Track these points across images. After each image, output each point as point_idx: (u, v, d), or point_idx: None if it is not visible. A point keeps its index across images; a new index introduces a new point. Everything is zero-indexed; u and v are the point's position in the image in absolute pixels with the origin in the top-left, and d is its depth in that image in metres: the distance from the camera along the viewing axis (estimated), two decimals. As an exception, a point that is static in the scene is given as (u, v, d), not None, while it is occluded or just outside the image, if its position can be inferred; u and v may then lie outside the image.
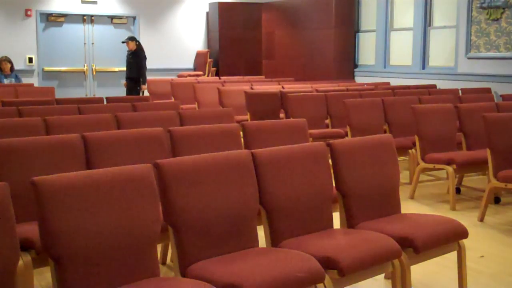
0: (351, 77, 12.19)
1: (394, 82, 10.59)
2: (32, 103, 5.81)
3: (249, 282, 2.37)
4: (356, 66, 12.34)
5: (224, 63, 13.03)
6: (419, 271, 3.47)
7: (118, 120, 4.63)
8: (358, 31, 12.35)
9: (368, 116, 6.42)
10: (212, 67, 12.97)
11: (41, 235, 2.28)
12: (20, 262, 2.59)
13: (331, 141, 3.39)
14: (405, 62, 11.10)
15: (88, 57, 12.25)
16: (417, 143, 5.66)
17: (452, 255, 3.34)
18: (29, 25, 11.55)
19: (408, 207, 5.03)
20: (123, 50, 11.27)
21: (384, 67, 11.60)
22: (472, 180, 6.50)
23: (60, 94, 9.05)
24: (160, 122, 4.34)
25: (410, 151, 6.14)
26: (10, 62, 9.94)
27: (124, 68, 10.72)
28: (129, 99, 6.94)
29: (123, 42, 10.57)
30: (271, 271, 2.49)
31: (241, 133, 4.22)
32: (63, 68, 11.98)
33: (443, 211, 5.13)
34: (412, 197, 5.67)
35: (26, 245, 2.81)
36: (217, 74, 12.76)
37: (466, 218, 4.67)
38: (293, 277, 2.49)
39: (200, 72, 12.78)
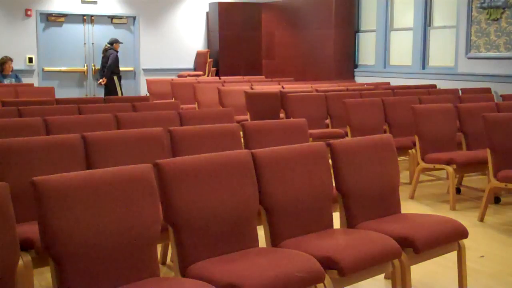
0: (351, 77, 12.19)
1: (394, 82, 10.58)
2: (32, 103, 5.81)
3: (249, 282, 2.37)
4: (356, 66, 12.35)
5: (224, 63, 13.03)
6: (419, 271, 3.46)
7: (118, 120, 4.63)
8: (358, 31, 12.35)
9: (368, 116, 6.42)
10: (212, 67, 12.97)
11: (41, 235, 2.28)
12: (20, 262, 2.58)
13: (331, 141, 3.39)
14: (405, 62, 11.10)
15: (88, 57, 12.25)
16: (417, 143, 5.66)
17: (452, 255, 3.34)
18: (29, 25, 11.55)
19: (408, 207, 5.03)
20: (123, 50, 11.35)
21: (384, 67, 11.60)
22: (472, 180, 6.50)
23: (60, 94, 9.05)
24: (160, 122, 4.34)
25: (410, 151, 6.14)
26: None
27: (126, 68, 11.37)
28: (129, 99, 6.94)
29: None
30: (271, 271, 2.49)
31: (241, 133, 4.22)
32: (63, 68, 11.99)
33: (443, 211, 5.12)
34: (412, 197, 5.67)
35: (26, 245, 2.81)
36: (217, 74, 12.76)
37: (466, 218, 4.66)
38: (293, 277, 2.49)
39: (200, 72, 12.78)
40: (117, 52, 11.05)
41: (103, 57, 11.17)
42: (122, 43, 11.36)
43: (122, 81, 11.24)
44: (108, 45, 11.12)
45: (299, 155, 3.19)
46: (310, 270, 2.57)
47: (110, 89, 10.91)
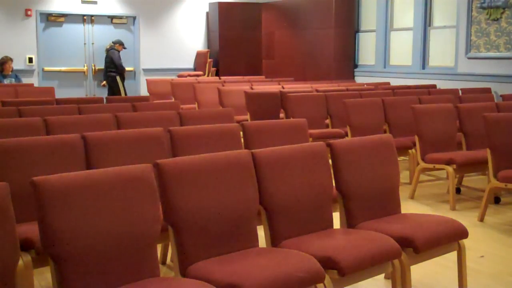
0: (351, 77, 12.19)
1: (394, 82, 10.58)
2: (32, 103, 5.81)
3: (249, 282, 2.37)
4: (356, 66, 12.35)
5: (224, 63, 13.03)
6: (419, 271, 3.46)
7: (118, 120, 4.63)
8: (358, 31, 12.35)
9: (368, 116, 6.42)
10: (212, 67, 12.97)
11: (41, 235, 2.28)
12: (20, 262, 2.59)
13: (331, 141, 3.39)
14: (405, 62, 11.10)
15: (88, 57, 12.26)
16: (417, 143, 5.66)
17: (452, 255, 3.34)
18: (29, 25, 11.55)
19: (408, 207, 5.03)
20: (123, 50, 11.40)
21: (384, 67, 11.60)
22: (472, 180, 6.50)
23: (60, 94, 9.04)
24: (160, 122, 4.34)
25: (410, 151, 6.13)
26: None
27: (126, 68, 11.57)
28: (129, 99, 6.95)
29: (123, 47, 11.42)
30: (271, 271, 2.49)
31: (241, 133, 4.22)
32: (63, 68, 11.99)
33: (443, 211, 5.13)
34: (412, 197, 5.67)
35: (26, 245, 2.81)
36: (217, 74, 12.76)
37: (466, 218, 4.67)
38: (293, 277, 2.49)
39: (200, 72, 12.78)
40: (119, 52, 11.17)
41: (106, 57, 11.31)
42: (126, 48, 11.54)
43: (122, 81, 11.37)
44: (112, 44, 11.29)
45: (299, 155, 3.19)
46: (310, 270, 2.57)
47: (114, 90, 11.05)
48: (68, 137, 3.59)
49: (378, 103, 6.62)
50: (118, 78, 11.11)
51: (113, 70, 11.15)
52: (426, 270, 3.63)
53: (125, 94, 11.04)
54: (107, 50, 11.29)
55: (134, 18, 12.65)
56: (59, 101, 6.27)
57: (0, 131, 4.03)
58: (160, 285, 2.43)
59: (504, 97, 7.98)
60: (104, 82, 11.33)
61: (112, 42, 11.38)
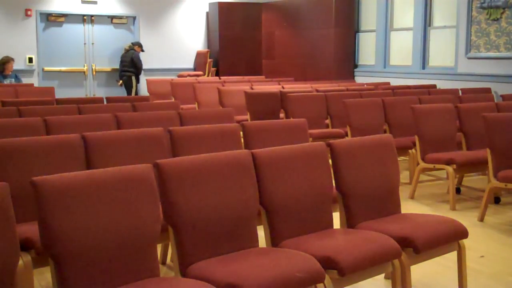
0: (351, 77, 12.19)
1: (394, 82, 10.58)
2: (32, 103, 5.81)
3: (249, 282, 2.37)
4: (356, 66, 12.35)
5: (224, 63, 13.02)
6: (419, 271, 3.46)
7: (118, 120, 4.63)
8: (358, 31, 12.35)
9: (368, 116, 6.42)
10: (212, 67, 12.97)
11: (41, 235, 2.28)
12: (20, 262, 2.59)
13: (331, 141, 3.39)
14: (405, 62, 11.10)
15: (88, 57, 12.25)
16: (417, 143, 5.66)
17: (452, 255, 3.35)
18: (29, 25, 11.55)
19: (408, 207, 5.03)
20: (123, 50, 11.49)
21: (384, 67, 11.60)
22: (472, 180, 6.50)
23: (60, 94, 9.03)
24: (160, 122, 4.34)
25: (410, 151, 6.13)
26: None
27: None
28: (129, 99, 6.95)
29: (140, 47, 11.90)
30: (271, 271, 2.50)
31: (241, 133, 4.22)
32: (63, 68, 11.98)
33: (443, 211, 5.13)
34: (412, 197, 5.67)
35: (26, 245, 2.81)
36: (217, 74, 12.76)
37: (466, 218, 4.67)
38: (293, 277, 2.49)
39: (200, 72, 12.78)
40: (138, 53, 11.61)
41: (122, 56, 11.53)
42: (144, 51, 11.89)
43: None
44: (131, 45, 11.64)
45: (299, 155, 3.19)
46: (310, 270, 2.57)
47: (130, 89, 11.42)
48: (68, 137, 3.59)
49: (378, 103, 6.62)
50: (133, 78, 11.43)
51: (130, 70, 11.45)
52: (426, 270, 3.63)
53: (136, 94, 11.31)
54: (127, 51, 11.57)
55: (134, 18, 12.64)
56: (59, 101, 6.27)
57: (0, 131, 4.03)
58: (160, 285, 2.43)
59: (504, 97, 7.98)
60: (121, 81, 11.52)
61: (132, 43, 11.72)
